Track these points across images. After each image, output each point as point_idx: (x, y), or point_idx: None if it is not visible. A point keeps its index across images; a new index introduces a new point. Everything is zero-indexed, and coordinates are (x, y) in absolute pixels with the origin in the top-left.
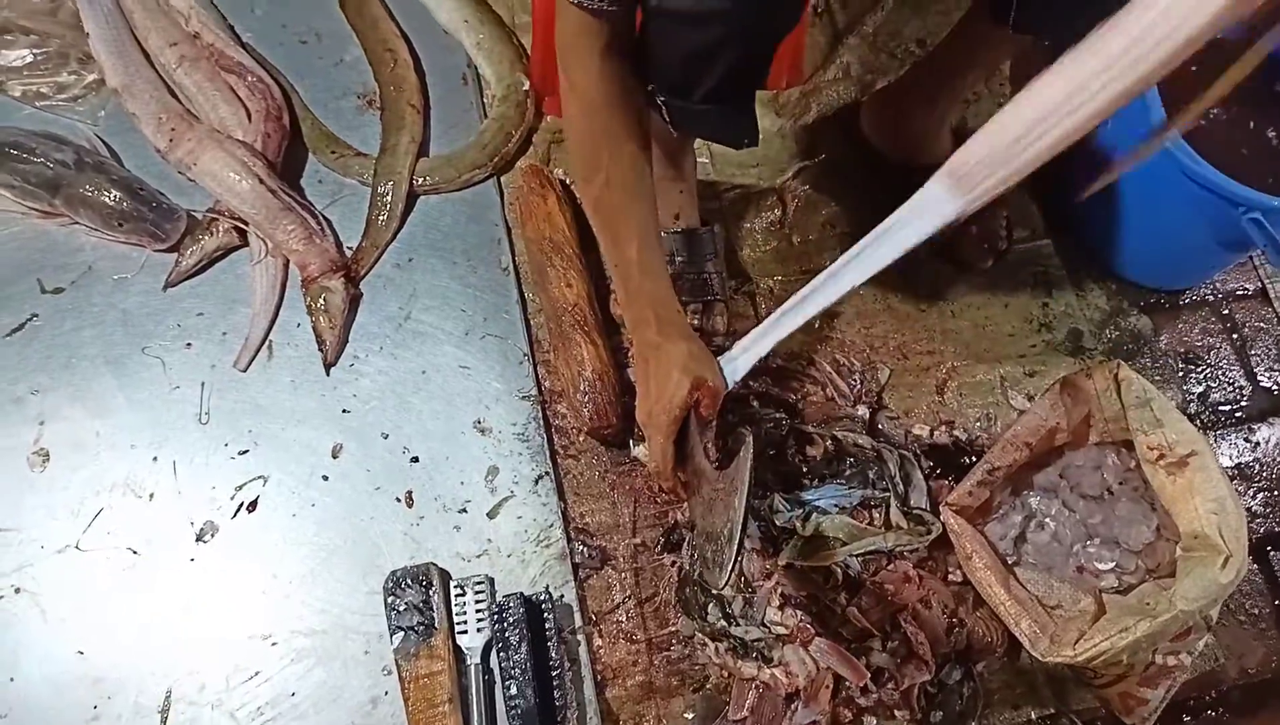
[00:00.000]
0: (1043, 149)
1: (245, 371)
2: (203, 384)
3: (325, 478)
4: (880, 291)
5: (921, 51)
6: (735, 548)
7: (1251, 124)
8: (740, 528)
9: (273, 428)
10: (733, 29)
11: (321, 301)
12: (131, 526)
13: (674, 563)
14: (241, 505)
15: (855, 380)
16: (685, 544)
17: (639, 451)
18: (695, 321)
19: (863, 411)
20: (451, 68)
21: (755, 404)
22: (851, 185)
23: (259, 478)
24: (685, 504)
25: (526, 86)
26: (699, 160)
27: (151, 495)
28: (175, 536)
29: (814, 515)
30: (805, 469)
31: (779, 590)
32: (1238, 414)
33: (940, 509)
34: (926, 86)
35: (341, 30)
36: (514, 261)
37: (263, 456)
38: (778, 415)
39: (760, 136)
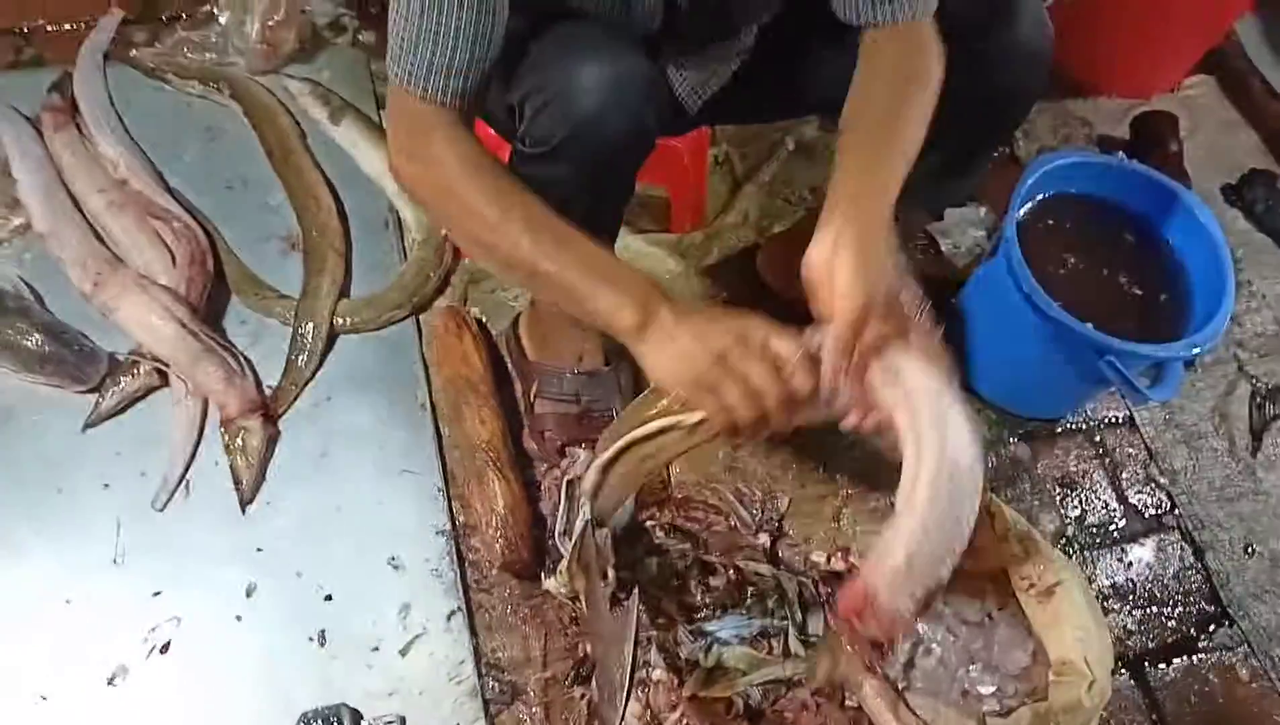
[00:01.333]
0: None
1: (162, 511)
2: (118, 524)
3: (239, 618)
4: None
5: (814, 198)
6: (625, 696)
7: (1105, 271)
8: (629, 677)
9: (187, 568)
10: (574, 192)
11: (239, 441)
12: (40, 671)
13: (583, 695)
14: (154, 647)
15: (756, 509)
16: (594, 677)
17: (550, 584)
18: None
19: (764, 539)
20: (374, 212)
21: (660, 534)
22: None
23: (173, 618)
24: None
25: (445, 231)
26: None
27: (61, 638)
28: (85, 681)
29: (715, 646)
30: (708, 600)
31: (684, 722)
32: (1112, 535)
33: (832, 636)
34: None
35: (267, 176)
36: (431, 398)
37: (176, 597)
38: (682, 546)
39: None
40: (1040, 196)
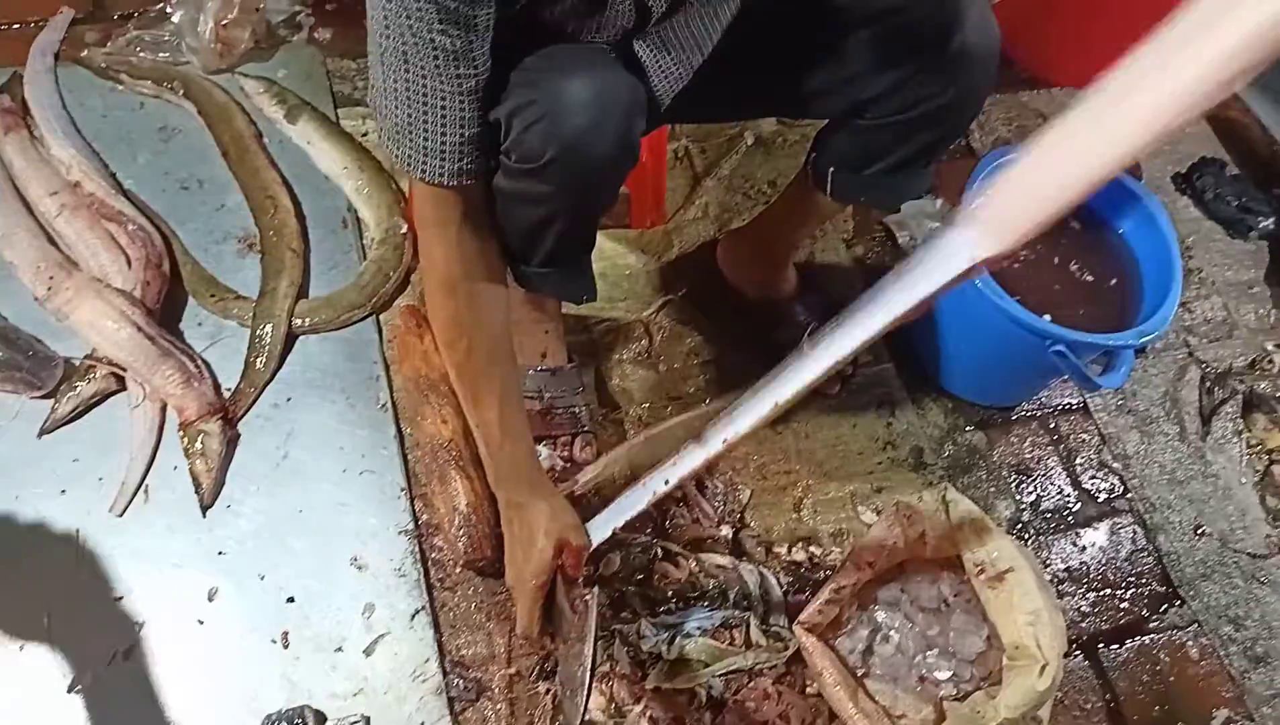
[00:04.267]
0: (1073, 196)
1: (121, 516)
2: (77, 531)
3: (201, 621)
4: None
5: (773, 191)
6: (584, 694)
7: (1056, 260)
8: (589, 674)
9: (148, 573)
10: (558, 208)
11: (199, 444)
12: (0, 678)
13: (549, 690)
14: (116, 653)
15: (718, 501)
16: (557, 673)
17: None
18: (565, 453)
19: (726, 531)
20: (332, 211)
21: (618, 531)
22: (712, 316)
23: (134, 624)
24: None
25: (405, 229)
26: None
27: (22, 647)
28: (47, 689)
29: (678, 639)
30: (670, 593)
31: (648, 714)
32: (1067, 519)
33: (794, 627)
34: (770, 234)
35: (223, 177)
36: (391, 398)
37: (138, 602)
38: (644, 539)
39: (605, 284)
40: None
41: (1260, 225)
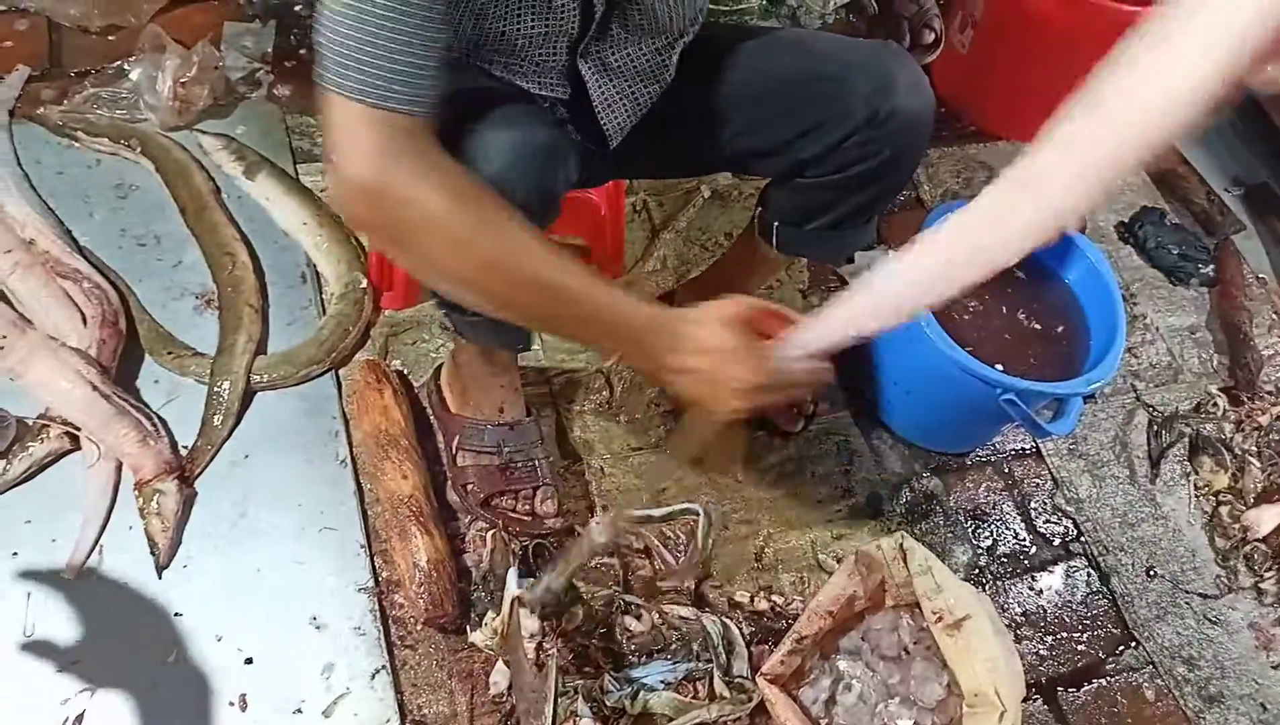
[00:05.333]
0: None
1: (75, 579)
2: (28, 595)
3: (155, 684)
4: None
5: (730, 243)
6: None
7: (1005, 309)
8: None
9: (102, 636)
10: None
11: (154, 504)
12: None
13: None
14: (68, 719)
15: (680, 551)
16: None
17: (476, 637)
18: (527, 506)
19: (688, 582)
20: (290, 267)
21: (581, 584)
22: None
23: (86, 689)
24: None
25: (364, 284)
26: (532, 348)
27: None
28: None
29: (642, 693)
30: (633, 646)
31: None
32: (1023, 563)
33: (757, 678)
34: (724, 282)
35: (180, 233)
36: (351, 453)
37: (91, 667)
38: (607, 591)
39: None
40: None
41: (1200, 272)
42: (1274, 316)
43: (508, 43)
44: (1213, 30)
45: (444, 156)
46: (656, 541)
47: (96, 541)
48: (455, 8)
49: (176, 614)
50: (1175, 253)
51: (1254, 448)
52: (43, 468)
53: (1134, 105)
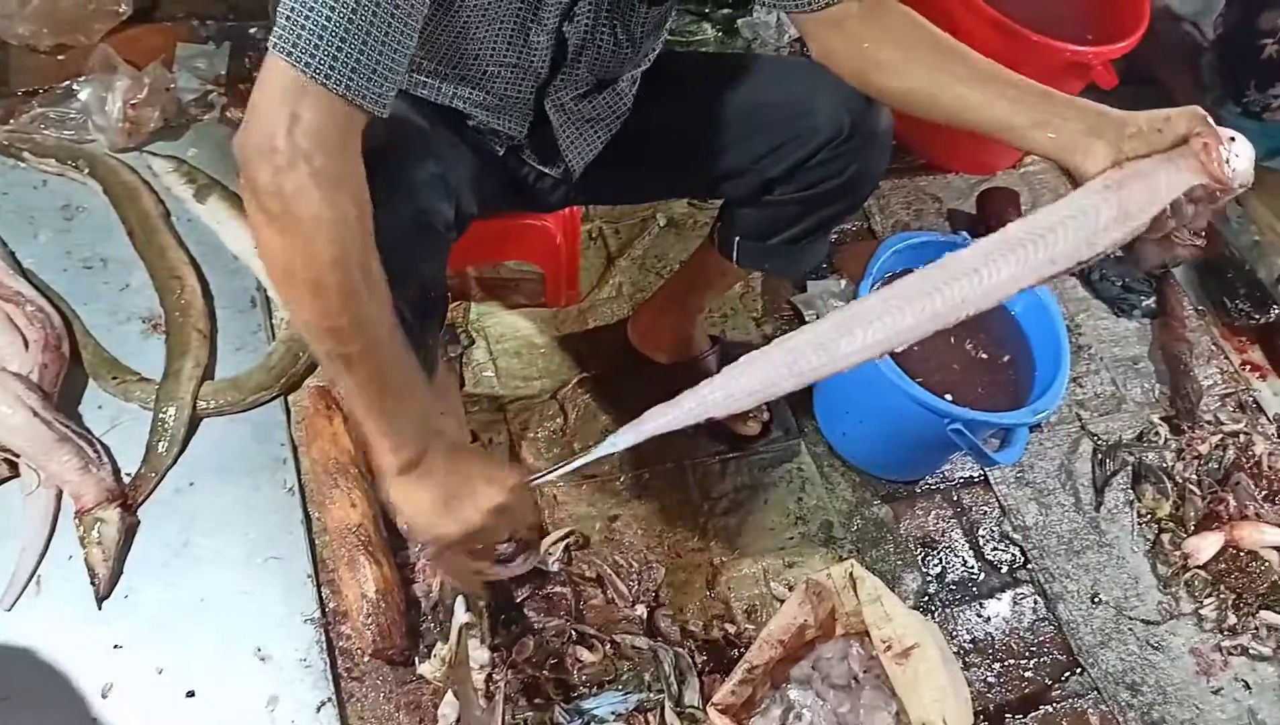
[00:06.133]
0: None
1: (10, 610)
2: None
3: (94, 720)
4: (655, 493)
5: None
6: None
7: (952, 339)
8: None
9: (38, 670)
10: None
11: (95, 533)
12: None
13: None
14: None
15: (634, 580)
16: None
17: (425, 669)
18: None
19: (640, 610)
20: (240, 291)
21: (531, 615)
22: (625, 392)
23: None
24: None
25: None
26: (485, 374)
27: None
28: None
29: (593, 724)
30: (584, 677)
31: None
32: (971, 591)
33: (708, 709)
34: (677, 298)
35: (128, 256)
36: (299, 481)
37: (25, 703)
38: (559, 622)
39: (520, 362)
40: (891, 272)
41: (1142, 304)
42: (1213, 347)
43: (479, 69)
44: None
45: (363, 174)
46: (609, 570)
47: (34, 571)
48: (440, 21)
49: (116, 645)
50: (1118, 285)
51: (1194, 476)
52: None
53: None
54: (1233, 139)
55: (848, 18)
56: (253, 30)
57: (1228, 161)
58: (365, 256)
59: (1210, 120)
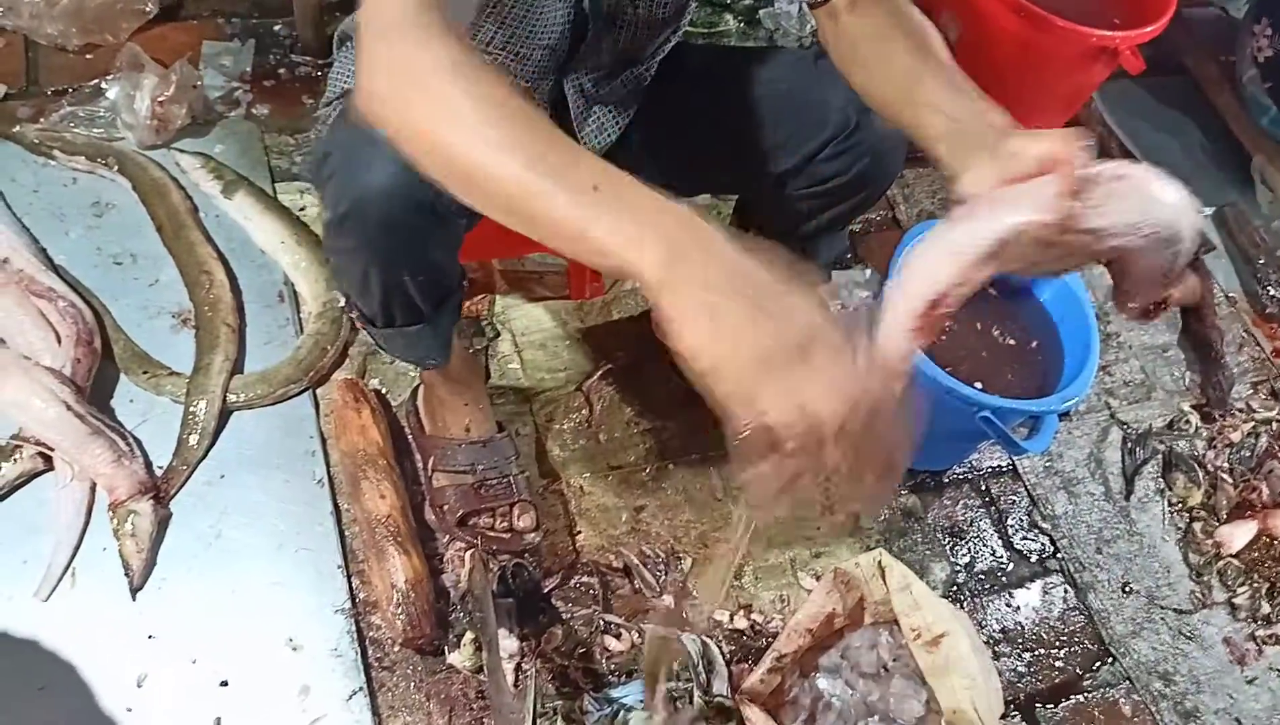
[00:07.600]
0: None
1: (46, 601)
2: None
3: (130, 709)
4: (681, 484)
5: None
6: None
7: (979, 326)
8: None
9: (74, 660)
10: (367, 264)
11: (129, 525)
12: None
13: None
14: None
15: (660, 570)
16: None
17: (454, 658)
18: (504, 522)
19: (668, 600)
20: (268, 286)
21: (559, 604)
22: (651, 384)
23: (59, 715)
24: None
25: (343, 302)
26: (510, 367)
27: None
28: None
29: (621, 713)
30: (613, 666)
31: None
32: (1001, 580)
33: (737, 697)
34: None
35: (157, 252)
36: (328, 473)
37: (61, 692)
38: (587, 611)
39: (545, 354)
40: None
41: None
42: (1244, 335)
43: (511, 50)
44: None
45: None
46: (636, 560)
47: (69, 563)
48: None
49: (150, 636)
50: None
51: (1226, 464)
52: (15, 489)
53: None
54: (1121, 177)
55: (840, 11)
56: (276, 27)
57: (1092, 202)
58: (512, 96)
59: (1084, 151)
